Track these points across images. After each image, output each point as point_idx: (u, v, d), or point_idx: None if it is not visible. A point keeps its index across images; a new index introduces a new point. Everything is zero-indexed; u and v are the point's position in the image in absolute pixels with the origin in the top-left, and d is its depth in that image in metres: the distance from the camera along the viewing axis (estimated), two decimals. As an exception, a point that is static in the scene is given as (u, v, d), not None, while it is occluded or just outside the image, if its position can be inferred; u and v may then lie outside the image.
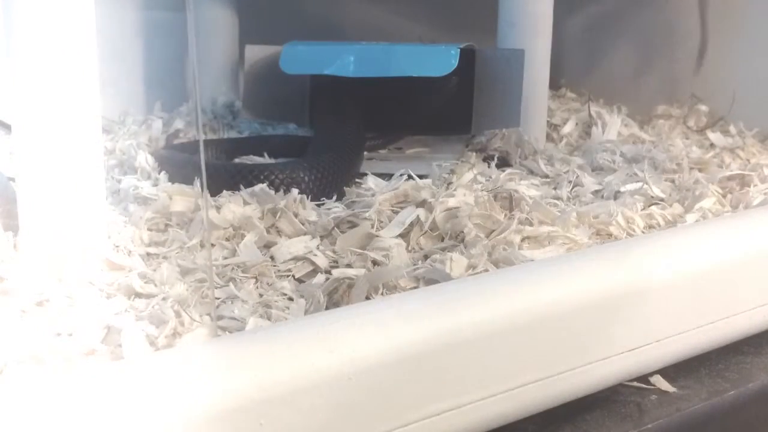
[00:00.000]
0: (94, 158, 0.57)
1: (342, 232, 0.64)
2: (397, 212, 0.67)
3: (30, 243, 0.56)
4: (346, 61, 0.92)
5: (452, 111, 0.99)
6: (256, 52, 1.01)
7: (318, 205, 0.70)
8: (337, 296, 0.55)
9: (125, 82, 1.07)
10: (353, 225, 0.65)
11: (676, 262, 0.57)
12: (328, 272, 0.59)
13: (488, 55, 0.95)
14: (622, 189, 0.79)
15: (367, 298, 0.54)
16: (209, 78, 1.13)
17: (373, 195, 0.71)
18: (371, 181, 0.75)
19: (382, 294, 0.55)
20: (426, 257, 0.61)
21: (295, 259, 0.60)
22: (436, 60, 0.89)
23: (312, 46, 0.95)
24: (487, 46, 0.99)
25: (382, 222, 0.65)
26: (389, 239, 0.62)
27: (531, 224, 0.67)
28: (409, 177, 0.74)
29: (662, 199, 0.77)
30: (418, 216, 0.65)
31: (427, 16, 1.31)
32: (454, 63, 0.87)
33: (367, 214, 0.66)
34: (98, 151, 0.58)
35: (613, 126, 1.04)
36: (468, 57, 0.91)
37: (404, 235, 0.64)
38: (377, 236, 0.63)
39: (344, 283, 0.55)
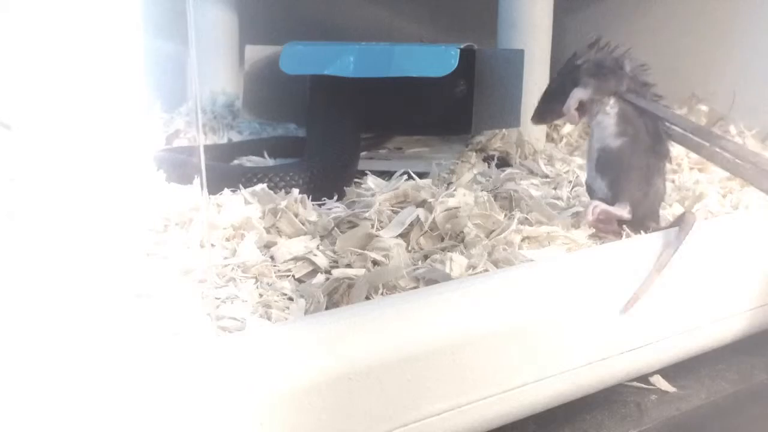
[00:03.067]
0: (94, 158, 0.57)
1: (342, 232, 0.64)
2: (397, 212, 0.67)
3: (30, 243, 0.56)
4: (346, 61, 0.92)
5: (452, 111, 0.99)
6: (256, 52, 1.01)
7: (318, 205, 0.70)
8: (337, 296, 0.55)
9: (125, 81, 1.07)
10: (353, 225, 0.65)
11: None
12: (328, 272, 0.59)
13: (488, 55, 0.95)
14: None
15: (367, 298, 0.54)
16: (209, 78, 1.13)
17: (372, 195, 0.71)
18: (371, 181, 0.75)
19: (382, 294, 0.55)
20: (426, 257, 0.61)
21: (295, 259, 0.60)
22: (436, 60, 0.89)
23: (312, 47, 0.95)
24: (487, 46, 0.99)
25: (382, 222, 0.65)
26: (389, 239, 0.62)
27: (531, 224, 0.67)
28: (409, 177, 0.74)
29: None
30: (418, 216, 0.65)
31: (427, 16, 1.31)
32: (454, 63, 0.87)
33: (367, 214, 0.66)
34: (98, 150, 0.57)
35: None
36: (468, 57, 0.91)
37: (404, 235, 0.64)
38: (377, 236, 0.63)
39: (344, 283, 0.55)
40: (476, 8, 1.12)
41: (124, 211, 0.68)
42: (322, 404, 0.40)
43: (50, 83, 0.54)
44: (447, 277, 0.56)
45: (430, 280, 0.56)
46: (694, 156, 0.94)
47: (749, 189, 0.81)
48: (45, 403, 0.35)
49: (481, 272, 0.58)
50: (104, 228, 0.60)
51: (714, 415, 0.55)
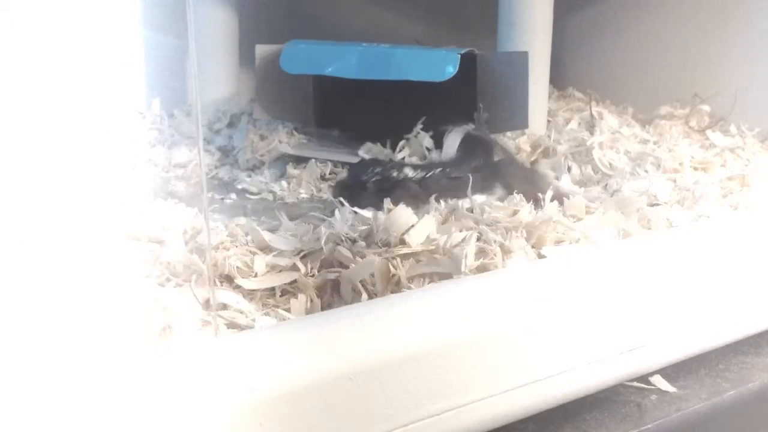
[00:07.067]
0: (93, 156, 0.57)
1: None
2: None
3: (29, 242, 0.56)
4: (348, 62, 0.91)
5: (456, 114, 0.98)
6: (265, 51, 1.01)
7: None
8: (326, 297, 0.55)
9: (124, 81, 1.07)
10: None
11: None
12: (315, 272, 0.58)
13: (490, 59, 0.94)
14: (623, 189, 0.79)
15: (358, 293, 0.54)
16: (209, 77, 1.13)
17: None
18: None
19: (369, 289, 0.54)
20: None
21: (276, 266, 0.59)
22: (437, 65, 0.89)
23: (313, 46, 0.95)
24: (487, 46, 0.99)
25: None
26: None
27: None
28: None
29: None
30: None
31: (427, 16, 1.31)
32: (453, 70, 0.87)
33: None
34: (98, 149, 0.57)
35: (611, 125, 1.04)
36: (470, 62, 0.91)
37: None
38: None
39: (328, 283, 0.55)
40: (476, 8, 1.12)
41: (122, 210, 0.68)
42: (322, 404, 0.40)
43: (51, 82, 0.54)
44: (446, 277, 0.56)
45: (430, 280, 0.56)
46: (697, 156, 0.94)
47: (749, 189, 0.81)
48: (41, 403, 0.35)
49: (480, 272, 0.58)
50: (102, 226, 0.60)
51: (714, 415, 0.55)
